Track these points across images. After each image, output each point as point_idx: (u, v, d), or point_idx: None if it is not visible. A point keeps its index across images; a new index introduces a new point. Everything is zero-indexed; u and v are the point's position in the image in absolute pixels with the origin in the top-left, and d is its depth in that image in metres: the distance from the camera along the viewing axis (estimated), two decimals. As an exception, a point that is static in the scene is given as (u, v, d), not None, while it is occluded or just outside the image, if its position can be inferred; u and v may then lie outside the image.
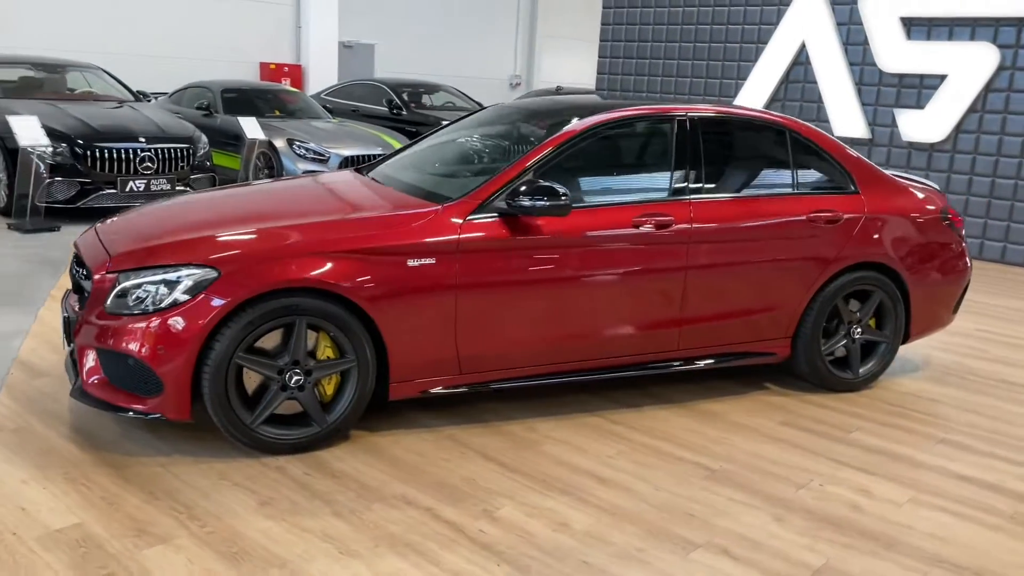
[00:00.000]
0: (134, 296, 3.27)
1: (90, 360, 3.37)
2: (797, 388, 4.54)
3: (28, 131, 7.47)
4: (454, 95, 13.90)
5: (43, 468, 3.19)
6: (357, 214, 3.68)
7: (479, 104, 13.19)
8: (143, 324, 3.21)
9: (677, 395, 4.34)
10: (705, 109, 4.31)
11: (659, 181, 4.14)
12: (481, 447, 3.61)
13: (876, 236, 4.45)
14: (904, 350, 5.09)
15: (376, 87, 13.16)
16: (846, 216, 4.39)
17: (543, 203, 3.63)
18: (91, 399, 3.36)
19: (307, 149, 9.58)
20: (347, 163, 9.45)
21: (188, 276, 3.24)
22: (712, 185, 4.18)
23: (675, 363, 4.19)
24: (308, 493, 3.12)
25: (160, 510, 2.94)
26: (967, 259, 4.85)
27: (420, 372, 3.64)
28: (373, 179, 4.29)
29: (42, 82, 9.51)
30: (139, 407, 3.28)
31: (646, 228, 3.92)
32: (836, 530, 3.10)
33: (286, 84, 12.59)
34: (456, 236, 3.58)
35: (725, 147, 4.41)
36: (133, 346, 3.22)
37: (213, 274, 3.24)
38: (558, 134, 3.94)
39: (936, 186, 5.02)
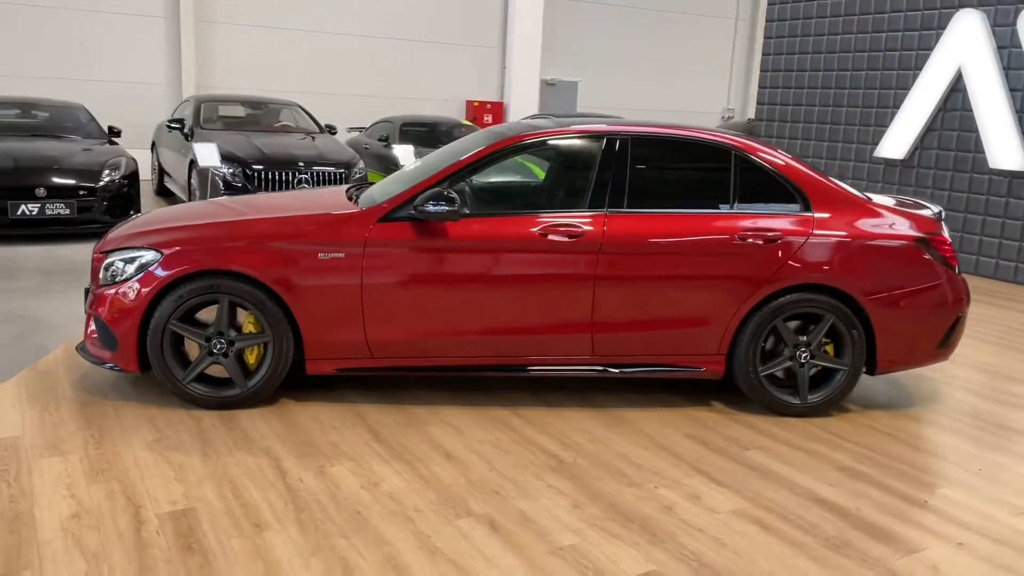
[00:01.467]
0: (109, 271, 4.17)
1: (91, 323, 4.32)
2: (748, 410, 4.50)
3: (207, 155, 9.04)
4: (301, 114, 14.12)
5: (35, 398, 4.16)
6: (294, 214, 4.34)
7: (324, 127, 13.43)
8: (109, 293, 4.10)
9: (607, 401, 4.52)
10: (640, 129, 4.50)
11: (580, 195, 4.39)
12: (374, 422, 4.10)
13: (824, 258, 4.34)
14: (923, 382, 4.81)
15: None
16: (787, 236, 4.34)
17: (439, 209, 4.08)
18: (85, 353, 4.30)
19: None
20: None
21: (140, 257, 4.09)
22: (635, 201, 4.35)
23: (594, 369, 4.38)
24: (199, 439, 3.81)
25: (80, 434, 3.77)
26: (960, 290, 4.52)
27: (333, 352, 4.21)
28: (350, 190, 4.94)
29: (253, 117, 11.29)
30: (107, 360, 4.16)
31: (553, 237, 4.20)
32: (622, 522, 3.23)
33: (465, 120, 13.67)
34: (364, 236, 4.12)
35: (657, 166, 4.54)
36: (102, 310, 4.12)
37: (157, 256, 4.05)
38: (476, 151, 4.36)
39: (935, 211, 4.72)
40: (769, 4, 11.63)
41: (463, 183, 4.34)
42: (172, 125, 10.77)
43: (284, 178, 9.38)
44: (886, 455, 4.02)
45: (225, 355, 4.13)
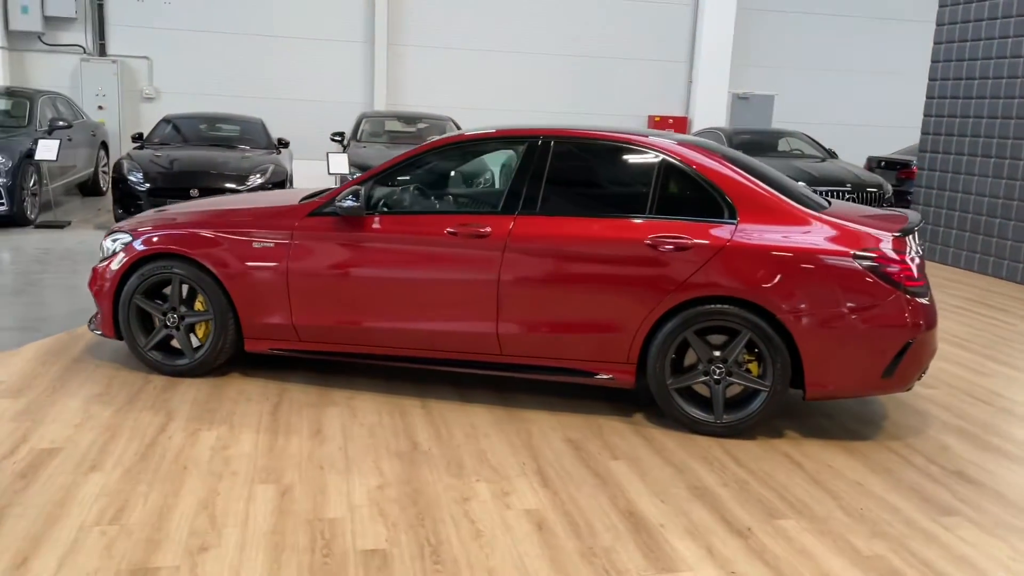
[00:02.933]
0: (102, 250, 4.92)
1: (100, 296, 5.12)
2: (666, 424, 4.34)
3: (338, 164, 9.97)
4: (804, 141, 13.52)
5: (49, 354, 5.01)
6: (247, 206, 4.85)
7: (828, 151, 12.71)
8: (98, 268, 4.85)
9: (527, 401, 4.56)
10: (563, 132, 4.51)
11: (495, 196, 4.49)
12: (288, 399, 4.48)
13: (740, 269, 4.10)
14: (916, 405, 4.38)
15: (715, 133, 13.53)
16: (700, 244, 4.15)
17: (349, 205, 4.40)
18: (90, 322, 5.09)
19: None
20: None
21: (121, 239, 4.80)
22: (549, 204, 4.37)
23: (505, 368, 4.45)
24: (130, 398, 4.40)
25: (46, 384, 4.51)
26: (912, 313, 4.05)
27: (265, 333, 4.66)
28: (320, 188, 5.35)
29: (411, 132, 12.21)
30: (96, 326, 4.92)
31: (461, 236, 4.35)
32: (406, 504, 3.34)
33: None
34: (292, 228, 4.54)
35: (577, 170, 4.51)
36: (92, 283, 4.88)
37: (129, 239, 4.74)
38: (402, 153, 4.61)
39: (906, 226, 4.26)
40: (940, 6, 10.58)
41: (389, 183, 4.61)
42: (334, 138, 11.93)
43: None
44: (765, 483, 3.72)
45: (177, 328, 4.72)
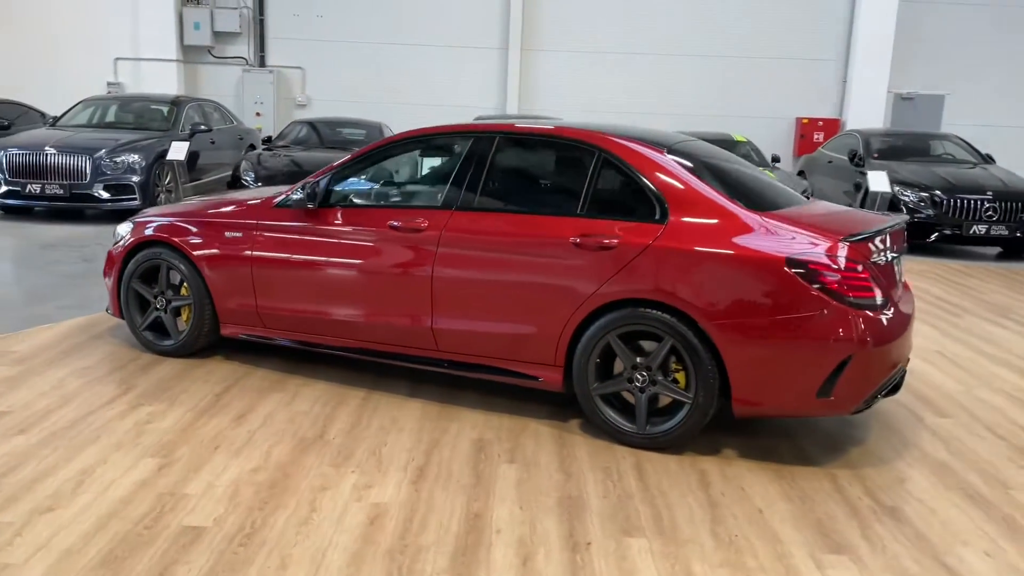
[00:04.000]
0: (114, 237, 5.39)
1: (124, 281, 5.62)
2: (595, 433, 4.15)
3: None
4: (958, 145, 12.31)
5: (75, 331, 5.55)
6: (234, 198, 5.12)
7: (984, 156, 11.55)
8: (111, 252, 5.32)
9: (466, 399, 4.51)
10: (507, 127, 4.43)
11: (437, 191, 4.48)
12: (242, 383, 4.69)
13: (662, 271, 3.85)
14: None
15: (852, 135, 12.62)
16: (624, 244, 3.94)
17: (296, 197, 4.58)
18: (108, 306, 5.57)
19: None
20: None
21: (129, 226, 5.23)
22: (487, 199, 4.31)
23: (442, 364, 4.43)
24: (108, 373, 4.80)
25: (49, 356, 5.01)
26: (853, 326, 3.63)
27: (236, 319, 4.92)
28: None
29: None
30: (110, 309, 5.40)
31: (401, 230, 4.39)
32: (256, 491, 3.44)
33: (736, 135, 12.88)
34: (257, 219, 4.77)
35: (517, 165, 4.40)
36: (105, 267, 5.36)
37: (131, 227, 5.17)
38: (358, 150, 4.71)
39: (853, 233, 3.83)
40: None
41: (346, 177, 4.71)
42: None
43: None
44: (651, 499, 3.47)
45: (165, 311, 5.08)
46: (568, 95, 16.06)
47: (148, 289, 5.11)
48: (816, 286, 3.65)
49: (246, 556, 2.93)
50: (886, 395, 4.03)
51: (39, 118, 13.43)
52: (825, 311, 3.63)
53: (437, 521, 3.22)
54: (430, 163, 4.67)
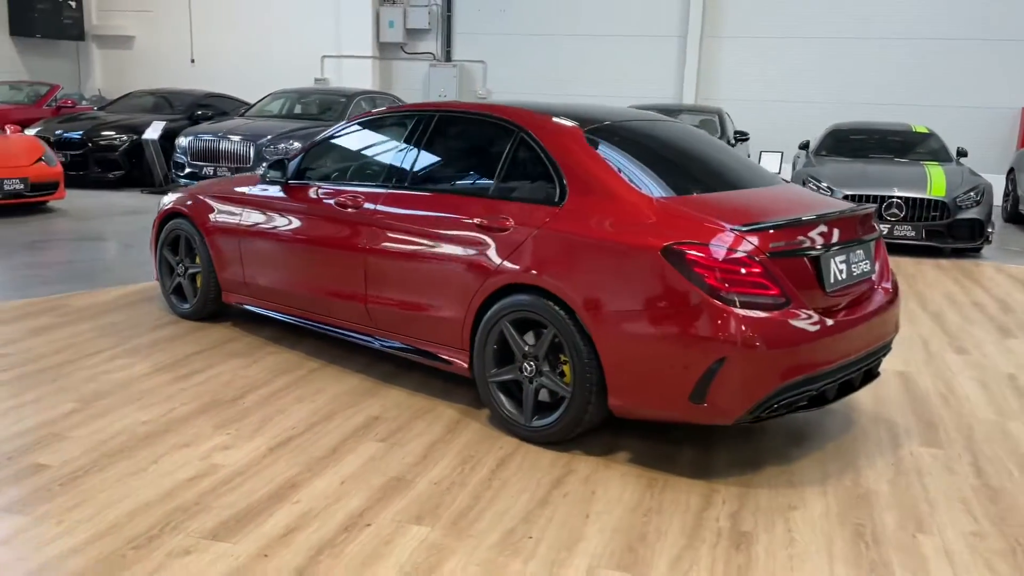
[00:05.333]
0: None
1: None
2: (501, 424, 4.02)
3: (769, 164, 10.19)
4: None
5: (135, 293, 6.24)
6: (248, 175, 5.48)
7: None
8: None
9: (410, 379, 4.52)
10: (443, 107, 4.37)
11: (378, 170, 4.52)
12: (219, 344, 5.03)
13: (545, 256, 3.64)
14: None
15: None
16: (517, 227, 3.78)
17: (270, 173, 4.83)
18: (169, 269, 6.20)
19: (813, 185, 9.48)
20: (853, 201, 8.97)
21: (169, 199, 5.77)
22: (417, 179, 4.30)
23: (375, 341, 4.50)
24: (125, 328, 5.35)
25: (90, 313, 5.67)
26: (733, 324, 3.22)
27: (231, 287, 5.28)
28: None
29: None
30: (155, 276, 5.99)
31: (342, 208, 4.50)
32: (97, 434, 3.71)
33: (916, 126, 11.34)
34: (245, 195, 5.09)
35: (446, 145, 4.32)
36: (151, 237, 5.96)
37: (172, 198, 5.70)
38: (329, 130, 4.85)
39: (751, 221, 3.39)
40: None
41: (318, 156, 4.89)
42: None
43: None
44: (499, 492, 3.30)
45: (183, 277, 5.56)
46: (750, 85, 15.21)
47: (173, 257, 5.61)
48: (690, 278, 3.27)
49: (60, 493, 3.17)
50: (814, 406, 3.53)
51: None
52: (697, 306, 3.25)
53: (250, 486, 3.28)
54: (380, 143, 4.71)
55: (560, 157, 3.81)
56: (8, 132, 10.49)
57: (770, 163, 9.93)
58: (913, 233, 9.00)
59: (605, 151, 3.82)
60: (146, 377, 4.45)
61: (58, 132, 12.26)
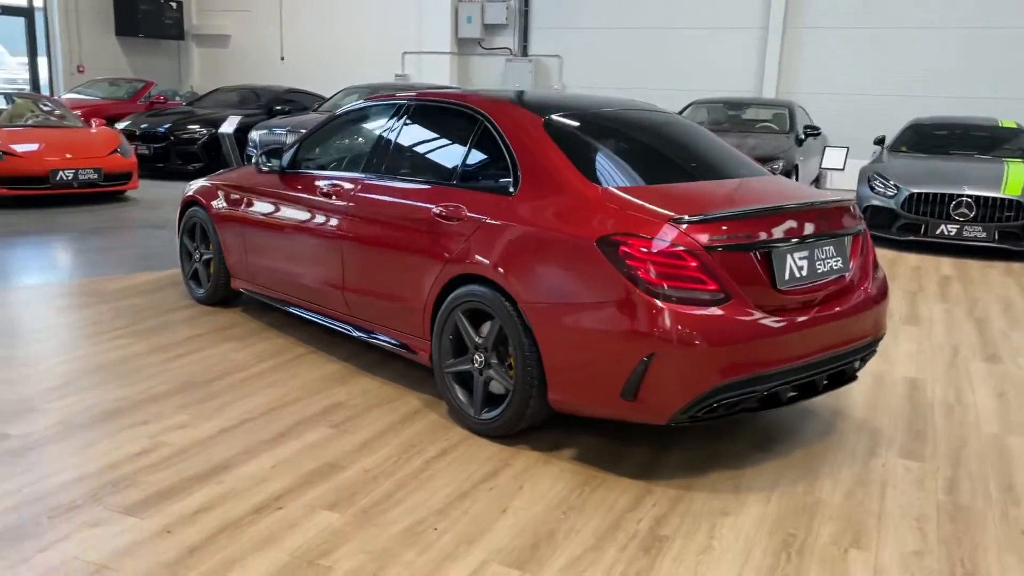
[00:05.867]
0: (194, 201, 6.20)
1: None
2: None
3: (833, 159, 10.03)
4: None
5: (168, 277, 6.51)
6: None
7: None
8: (183, 214, 6.15)
9: (383, 366, 4.55)
10: (422, 95, 4.36)
11: (359, 159, 4.55)
12: (219, 329, 5.19)
13: (492, 246, 3.59)
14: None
15: None
16: (469, 217, 3.74)
17: (266, 162, 4.94)
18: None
19: (880, 183, 9.02)
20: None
21: (191, 187, 5.98)
22: (391, 167, 4.31)
23: (351, 328, 4.54)
24: (145, 312, 5.57)
25: (120, 295, 5.94)
26: (663, 319, 3.09)
27: (237, 275, 5.43)
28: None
29: (734, 118, 11.62)
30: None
31: (325, 196, 4.56)
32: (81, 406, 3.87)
33: (1004, 121, 10.51)
34: (251, 183, 5.23)
35: (419, 133, 4.31)
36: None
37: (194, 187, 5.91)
38: (322, 119, 4.91)
39: (692, 212, 3.25)
40: None
41: (312, 146, 4.96)
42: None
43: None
44: (405, 480, 3.27)
45: (199, 263, 5.75)
46: (835, 77, 14.56)
47: (191, 243, 5.82)
48: (622, 271, 3.16)
49: (10, 463, 3.33)
50: (767, 407, 3.36)
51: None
52: (628, 300, 3.13)
53: (184, 466, 3.36)
54: (362, 132, 4.75)
55: (515, 145, 3.75)
56: (94, 126, 11.11)
57: (834, 159, 9.50)
58: (984, 234, 8.43)
59: (562, 140, 3.73)
60: (139, 357, 4.63)
61: (143, 126, 12.89)
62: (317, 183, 4.64)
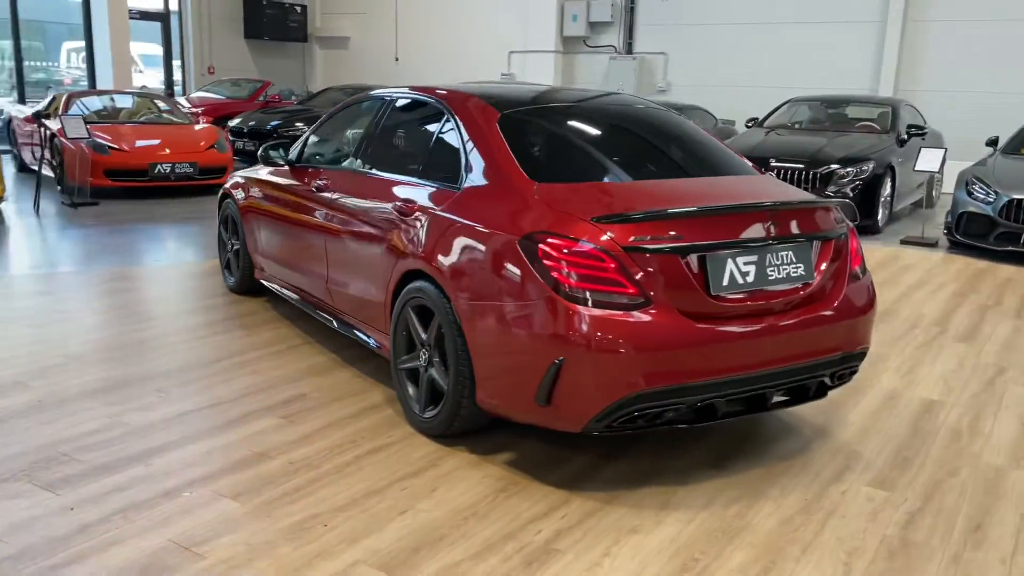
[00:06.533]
0: (237, 194, 6.45)
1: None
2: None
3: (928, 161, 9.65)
4: None
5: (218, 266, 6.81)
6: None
7: None
8: (226, 206, 6.41)
9: (370, 360, 4.59)
10: (399, 90, 4.36)
11: (346, 153, 4.59)
12: (237, 316, 5.36)
13: (433, 242, 3.53)
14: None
15: None
16: (416, 211, 3.70)
17: (271, 155, 5.06)
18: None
19: (980, 188, 8.29)
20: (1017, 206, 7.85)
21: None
22: (370, 162, 4.32)
23: (333, 321, 4.59)
24: (176, 297, 5.85)
25: (165, 281, 6.26)
26: (574, 322, 2.95)
27: (257, 264, 5.59)
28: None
29: (835, 116, 10.98)
30: (226, 249, 6.49)
31: (313, 189, 4.63)
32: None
33: None
34: (268, 177, 5.38)
35: (396, 128, 4.29)
36: (225, 217, 6.46)
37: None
38: (325, 115, 4.98)
39: (608, 212, 3.07)
40: None
41: (314, 140, 5.04)
42: (748, 124, 11.44)
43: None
44: (307, 470, 3.27)
45: (231, 253, 5.97)
46: (958, 74, 13.50)
47: (226, 234, 6.04)
48: (538, 271, 3.03)
49: (-28, 433, 3.57)
50: (702, 420, 3.14)
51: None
52: (541, 301, 3.00)
53: (124, 446, 3.45)
54: (351, 127, 4.78)
55: (469, 139, 3.67)
56: (201, 123, 11.77)
57: (929, 161, 8.80)
58: (1092, 247, 7.60)
59: (514, 135, 3.61)
60: (154, 339, 4.84)
61: (251, 123, 13.53)
62: (313, 177, 4.70)
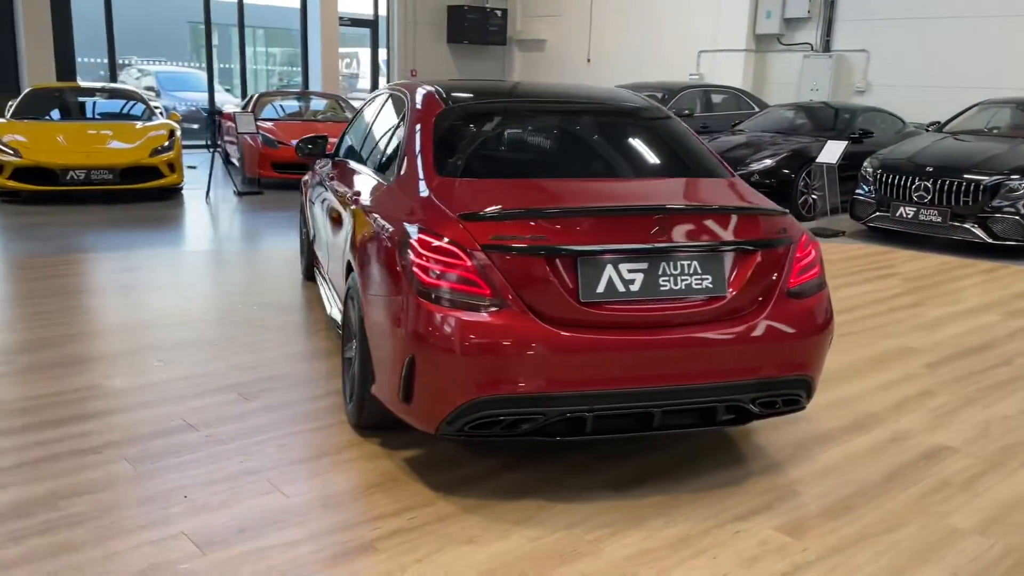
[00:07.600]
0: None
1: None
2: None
3: (830, 154, 9.04)
4: None
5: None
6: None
7: None
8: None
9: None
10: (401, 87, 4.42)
11: (356, 148, 4.70)
12: (294, 301, 5.70)
13: (355, 235, 3.59)
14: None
15: None
16: (359, 204, 3.77)
17: (308, 148, 5.32)
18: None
19: None
20: None
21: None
22: (360, 155, 4.45)
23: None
24: (242, 280, 6.32)
25: (238, 273, 6.78)
26: (425, 320, 2.88)
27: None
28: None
29: None
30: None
31: (342, 187, 4.81)
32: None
33: None
34: (317, 170, 5.66)
35: (381, 121, 4.38)
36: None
37: (307, 175, 6.53)
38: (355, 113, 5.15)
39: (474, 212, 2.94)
40: None
41: (351, 136, 5.22)
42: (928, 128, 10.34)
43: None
44: (218, 460, 3.41)
45: (304, 241, 6.34)
46: None
47: (302, 224, 6.42)
48: (404, 268, 2.98)
49: (-16, 383, 4.09)
50: (573, 434, 2.95)
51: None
52: (403, 298, 2.96)
53: (84, 406, 3.78)
54: (366, 123, 4.85)
55: (407, 133, 3.66)
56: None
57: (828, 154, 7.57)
58: None
59: (444, 130, 3.56)
60: (206, 312, 5.27)
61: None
62: (335, 170, 4.89)
